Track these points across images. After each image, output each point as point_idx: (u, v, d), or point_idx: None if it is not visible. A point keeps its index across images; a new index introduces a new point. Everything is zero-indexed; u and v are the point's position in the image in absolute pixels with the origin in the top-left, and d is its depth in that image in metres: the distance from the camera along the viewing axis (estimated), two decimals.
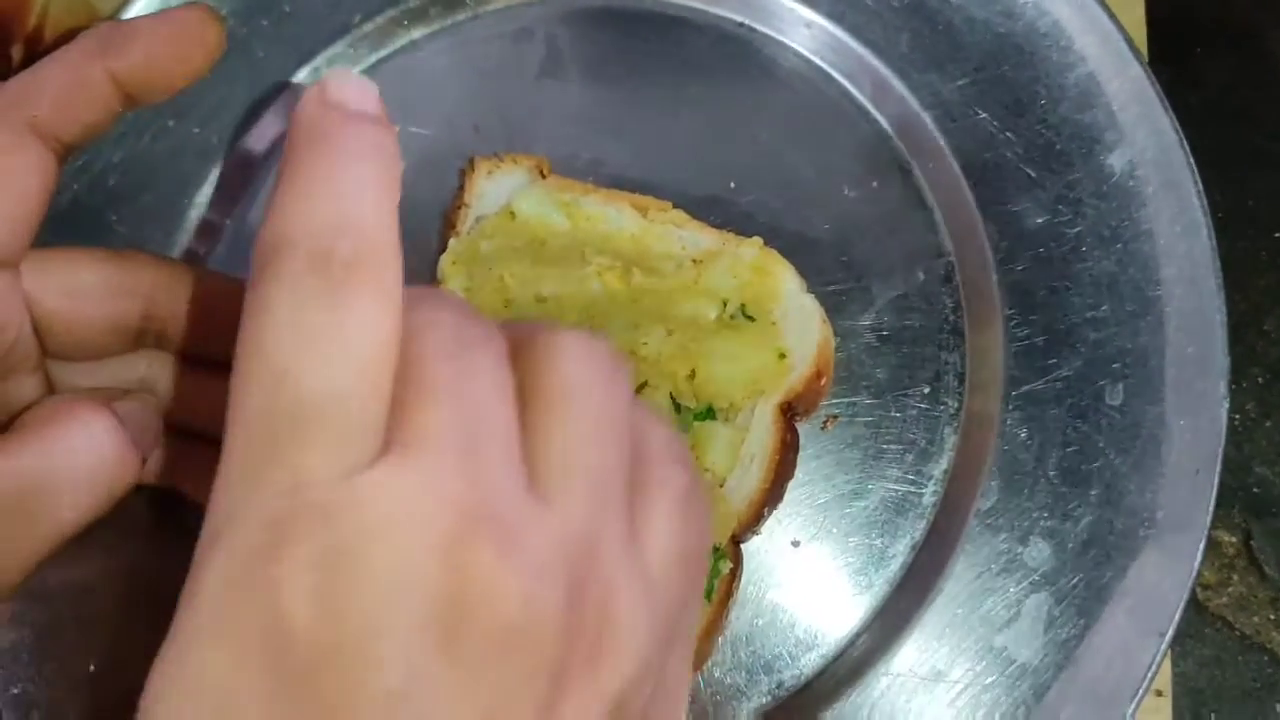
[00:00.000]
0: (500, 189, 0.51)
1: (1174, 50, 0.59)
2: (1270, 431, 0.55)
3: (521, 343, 0.28)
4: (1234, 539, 0.53)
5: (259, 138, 0.54)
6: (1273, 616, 0.52)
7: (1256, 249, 0.57)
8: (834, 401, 0.48)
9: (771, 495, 0.46)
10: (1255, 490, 0.54)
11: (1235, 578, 0.53)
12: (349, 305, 0.24)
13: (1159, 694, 0.50)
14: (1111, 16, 0.48)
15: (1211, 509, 0.43)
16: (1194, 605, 0.52)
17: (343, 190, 0.26)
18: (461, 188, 0.51)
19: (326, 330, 0.24)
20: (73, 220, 0.52)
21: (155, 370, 0.43)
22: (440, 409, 0.25)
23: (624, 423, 0.28)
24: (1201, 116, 0.58)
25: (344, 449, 0.24)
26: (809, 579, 0.46)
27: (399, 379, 0.25)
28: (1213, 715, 0.51)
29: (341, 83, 0.28)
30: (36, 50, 0.56)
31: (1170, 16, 0.58)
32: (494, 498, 0.25)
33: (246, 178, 0.54)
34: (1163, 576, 0.43)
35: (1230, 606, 0.52)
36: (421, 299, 0.27)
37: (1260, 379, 0.55)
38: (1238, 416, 0.54)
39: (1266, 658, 0.52)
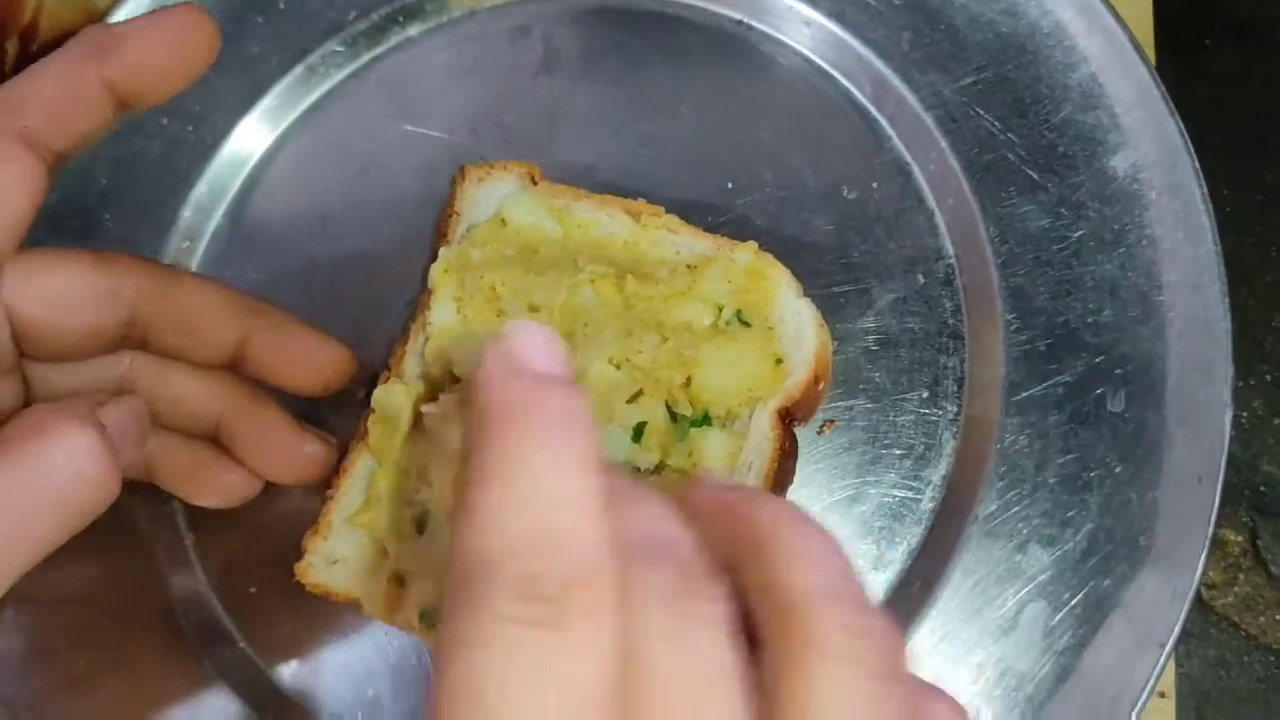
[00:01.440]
0: (491, 196, 0.50)
1: (1182, 43, 0.58)
2: (1278, 430, 0.54)
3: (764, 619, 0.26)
4: (1240, 538, 0.53)
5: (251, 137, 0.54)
6: (1279, 616, 0.52)
7: (1265, 244, 0.56)
8: (832, 405, 0.48)
9: None
10: (1262, 489, 0.53)
11: (1241, 577, 0.52)
12: (566, 644, 0.23)
13: (1162, 695, 0.50)
14: (1116, 16, 0.47)
15: (1214, 519, 0.42)
16: (1199, 605, 0.52)
17: (544, 489, 0.24)
18: (452, 196, 0.51)
19: (544, 675, 0.22)
20: (64, 218, 0.52)
21: (137, 368, 0.42)
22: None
23: None
24: (1209, 110, 0.57)
25: None
26: None
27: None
28: (1216, 715, 0.50)
29: (526, 342, 0.27)
30: (31, 45, 0.55)
31: (1178, 8, 0.58)
32: None
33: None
34: (1163, 586, 0.42)
35: (1236, 606, 0.52)
36: (634, 556, 0.25)
37: (1269, 376, 0.54)
38: (1244, 415, 0.54)
39: (1273, 658, 0.51)
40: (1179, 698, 0.50)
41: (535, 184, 0.50)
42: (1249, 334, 0.54)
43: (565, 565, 0.23)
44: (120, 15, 0.53)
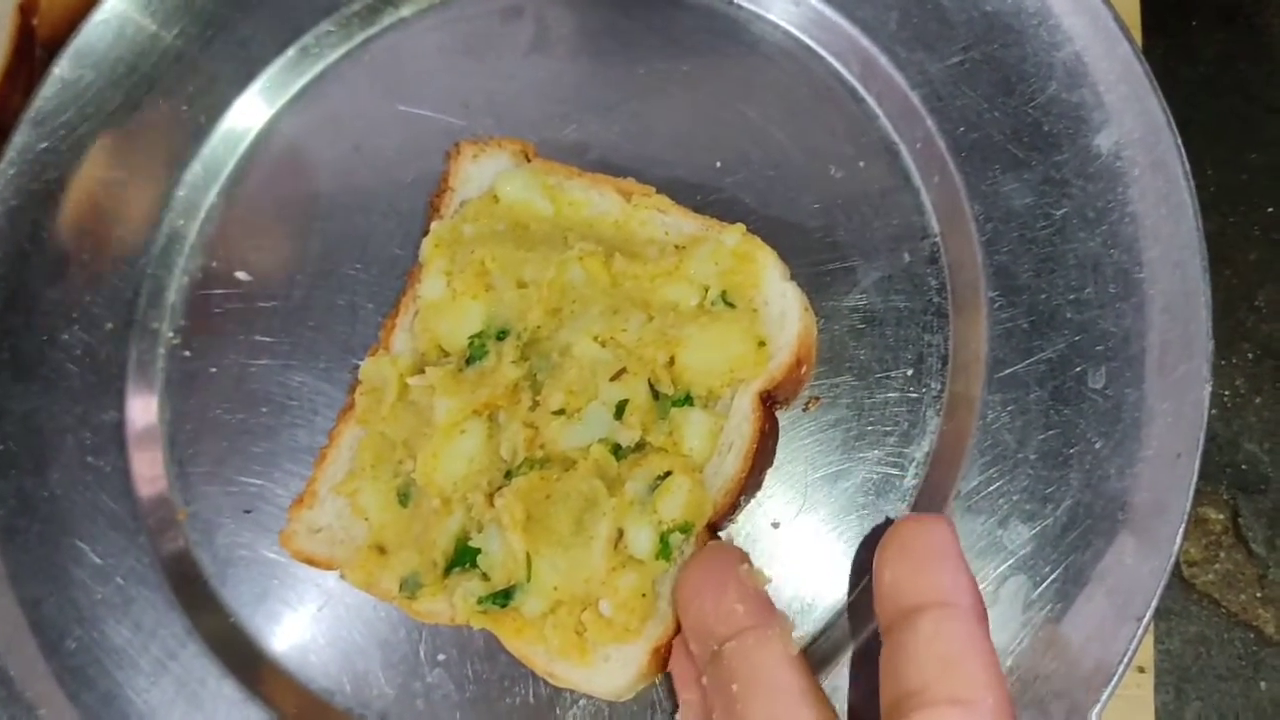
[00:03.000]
0: (485, 172, 0.50)
1: (1168, 23, 0.58)
2: (1259, 408, 0.54)
3: None
4: (1221, 516, 0.53)
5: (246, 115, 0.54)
6: (1259, 594, 0.52)
7: (1249, 223, 0.56)
8: (817, 383, 0.48)
9: (749, 483, 0.45)
10: (1243, 467, 0.53)
11: (1222, 555, 0.52)
12: None
13: (1141, 670, 0.50)
14: None
15: (1192, 494, 0.42)
16: (1180, 582, 0.52)
17: None
18: (447, 171, 0.51)
19: None
20: (60, 198, 0.52)
21: None
22: None
23: None
24: (1195, 90, 0.57)
25: None
26: (788, 560, 0.46)
27: None
28: (1195, 692, 0.51)
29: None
30: (31, 18, 0.56)
31: None
32: None
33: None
34: (1141, 561, 0.42)
35: (1217, 584, 0.52)
36: None
37: (1250, 354, 0.54)
38: (1226, 393, 0.54)
39: (1252, 635, 0.51)
40: (1159, 674, 0.50)
41: (529, 161, 0.51)
42: (1231, 313, 0.54)
43: None
44: None
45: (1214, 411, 0.43)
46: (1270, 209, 0.56)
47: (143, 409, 0.51)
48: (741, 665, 0.38)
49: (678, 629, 0.42)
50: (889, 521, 0.45)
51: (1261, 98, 0.58)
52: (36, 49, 0.56)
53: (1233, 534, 0.53)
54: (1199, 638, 0.51)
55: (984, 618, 0.37)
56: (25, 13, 0.56)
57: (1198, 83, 0.58)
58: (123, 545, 0.49)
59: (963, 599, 0.37)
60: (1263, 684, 0.51)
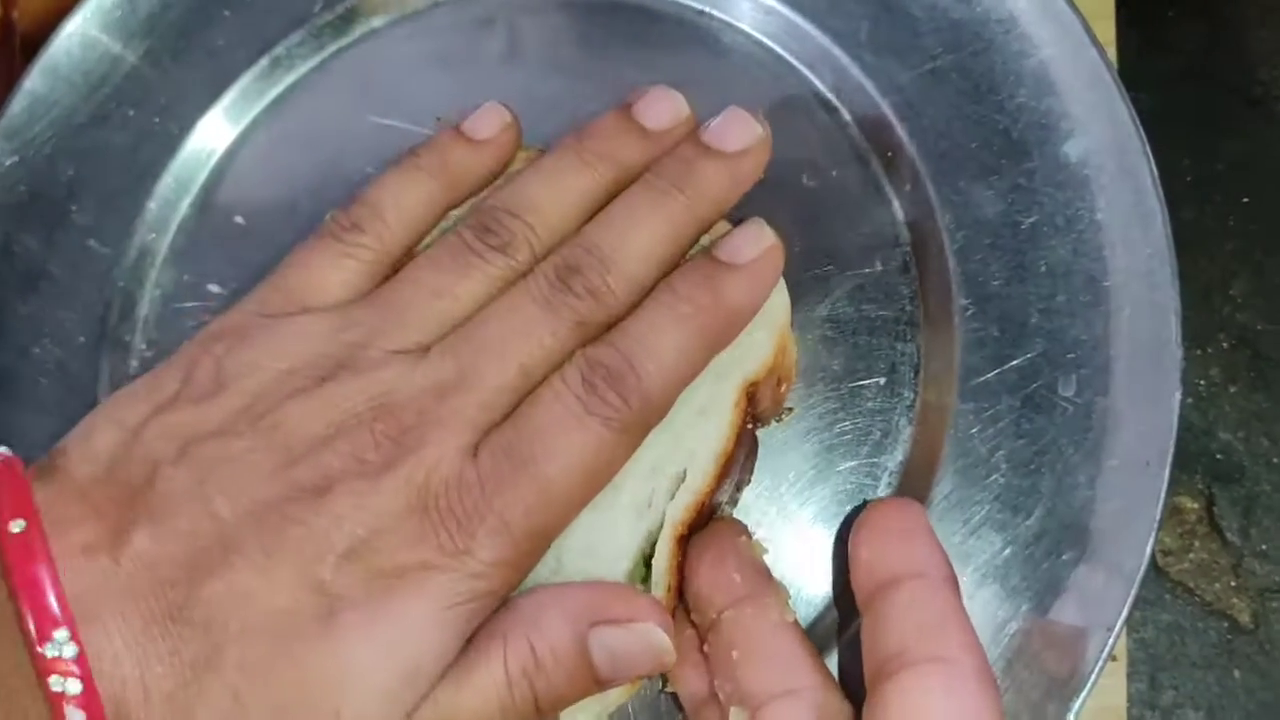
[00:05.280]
0: None
1: (1144, 14, 0.59)
2: (1234, 397, 0.54)
3: None
4: (1196, 505, 0.53)
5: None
6: (1234, 583, 0.52)
7: (1224, 214, 0.56)
8: (789, 393, 0.48)
9: (726, 495, 0.45)
10: (1218, 457, 0.54)
11: (1197, 544, 0.53)
12: None
13: (1114, 659, 0.50)
14: (1069, 2, 0.47)
15: (1162, 503, 0.42)
16: (1154, 571, 0.52)
17: None
18: None
19: None
20: (31, 210, 0.52)
21: None
22: None
23: None
24: (1171, 81, 0.58)
25: None
26: None
27: None
28: (1169, 680, 0.51)
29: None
30: (12, 9, 0.55)
31: None
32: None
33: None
34: (1111, 570, 0.42)
35: (1191, 573, 0.52)
36: None
37: (1225, 344, 0.55)
38: (1201, 382, 0.54)
39: (1227, 624, 0.52)
40: (1133, 663, 0.50)
41: None
42: (1207, 302, 0.54)
43: None
44: None
45: (1189, 401, 0.43)
46: (1246, 200, 0.57)
47: None
48: (738, 633, 0.38)
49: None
50: (864, 506, 0.45)
51: (1239, 89, 0.58)
52: (16, 39, 0.56)
53: (1207, 523, 0.53)
54: (1173, 627, 0.52)
55: (957, 588, 0.38)
56: (4, 4, 0.55)
57: (1174, 74, 0.58)
58: None
59: (936, 570, 0.38)
60: (1236, 673, 0.51)
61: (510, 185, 0.43)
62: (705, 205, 0.41)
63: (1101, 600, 0.42)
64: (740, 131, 0.44)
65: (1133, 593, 0.42)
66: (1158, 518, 0.42)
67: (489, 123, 0.45)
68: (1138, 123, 0.46)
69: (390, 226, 0.42)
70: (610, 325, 0.38)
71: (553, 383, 0.36)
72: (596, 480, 0.37)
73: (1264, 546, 0.52)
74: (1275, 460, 0.53)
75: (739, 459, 0.45)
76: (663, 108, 0.45)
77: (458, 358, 0.36)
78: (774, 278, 0.43)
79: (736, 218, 0.50)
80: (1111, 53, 0.56)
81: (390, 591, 0.33)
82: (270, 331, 0.39)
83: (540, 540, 0.36)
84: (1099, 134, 0.46)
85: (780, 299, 0.46)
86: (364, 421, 0.35)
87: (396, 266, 0.42)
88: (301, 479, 0.35)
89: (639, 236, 0.39)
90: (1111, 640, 0.41)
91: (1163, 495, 0.42)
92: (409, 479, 0.34)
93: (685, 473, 0.43)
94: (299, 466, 0.35)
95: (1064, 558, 0.43)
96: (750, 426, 0.46)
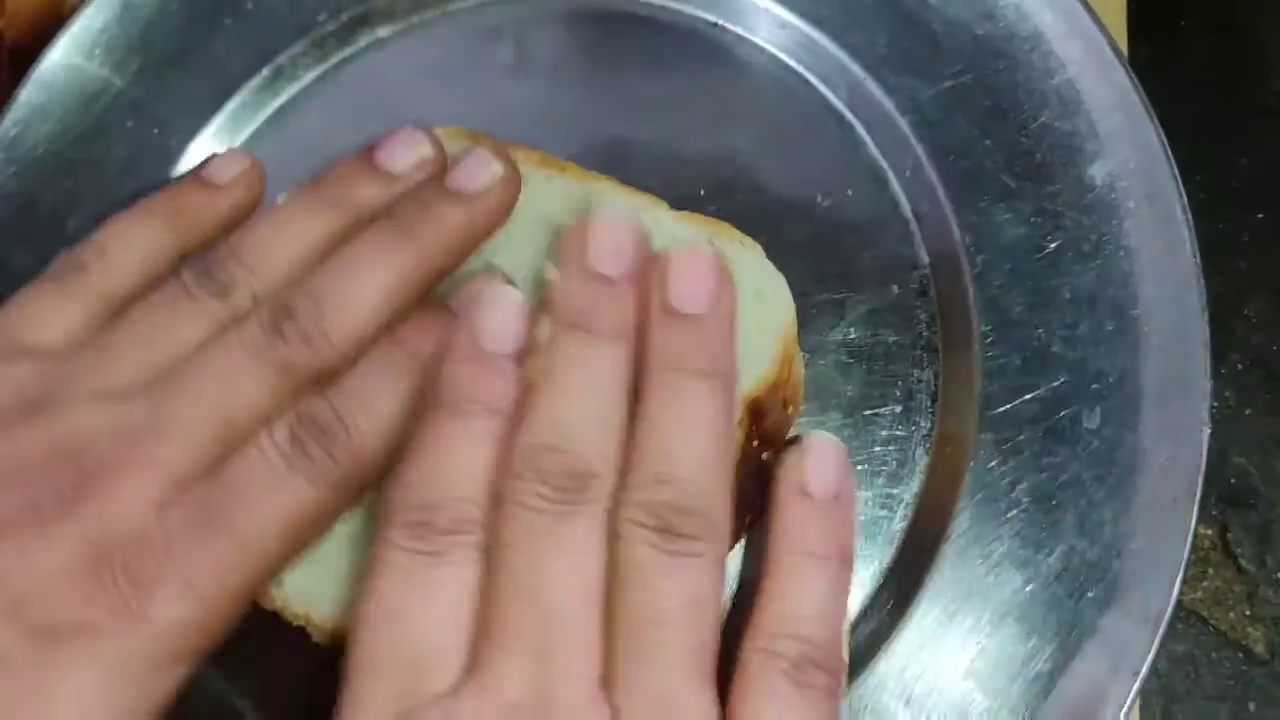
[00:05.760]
0: None
1: (1156, 27, 0.57)
2: (1250, 420, 0.53)
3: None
4: (1210, 531, 0.51)
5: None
6: (1249, 612, 0.51)
7: (1239, 230, 0.55)
8: (803, 420, 0.47)
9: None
10: (1233, 481, 0.52)
11: (1211, 571, 0.51)
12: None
13: None
14: (1095, 20, 0.46)
15: (1190, 542, 0.41)
16: None
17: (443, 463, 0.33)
18: None
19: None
20: (27, 223, 0.51)
21: None
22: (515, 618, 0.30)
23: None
24: (1184, 95, 0.56)
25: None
26: None
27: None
28: (1183, 713, 0.49)
29: (488, 322, 0.36)
30: None
31: None
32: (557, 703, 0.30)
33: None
34: (1137, 612, 0.41)
35: (1205, 601, 0.51)
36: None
37: (1240, 365, 0.53)
38: (1216, 405, 0.52)
39: (1242, 654, 0.50)
40: (1145, 695, 0.49)
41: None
42: (1222, 322, 0.53)
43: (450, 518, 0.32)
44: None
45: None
46: (1261, 215, 0.55)
47: None
48: None
49: None
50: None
51: (1251, 101, 0.57)
52: (5, 48, 0.55)
53: (1221, 550, 0.51)
54: (1187, 657, 0.50)
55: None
56: None
57: (1186, 86, 0.57)
58: None
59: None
60: (1252, 705, 0.49)
61: (240, 230, 0.40)
62: (438, 250, 0.38)
63: (1127, 644, 0.40)
64: (478, 172, 0.41)
65: (1159, 637, 0.40)
66: (1185, 558, 0.41)
67: (227, 168, 0.43)
68: (1166, 145, 0.44)
69: (115, 268, 0.39)
70: (331, 376, 0.36)
71: (259, 437, 0.34)
72: (301, 537, 0.34)
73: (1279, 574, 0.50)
74: None
75: (748, 492, 0.44)
76: (404, 149, 0.41)
77: (153, 402, 0.34)
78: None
79: (751, 238, 0.49)
80: None
81: (53, 653, 0.30)
82: None
83: (238, 598, 0.33)
84: (1126, 156, 0.45)
85: (782, 303, 0.44)
86: (43, 467, 0.32)
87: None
88: None
89: (362, 283, 0.36)
90: (1137, 685, 0.40)
91: (1190, 534, 0.41)
92: (82, 533, 0.31)
93: None
94: None
95: (1088, 598, 0.42)
96: (764, 457, 0.44)
